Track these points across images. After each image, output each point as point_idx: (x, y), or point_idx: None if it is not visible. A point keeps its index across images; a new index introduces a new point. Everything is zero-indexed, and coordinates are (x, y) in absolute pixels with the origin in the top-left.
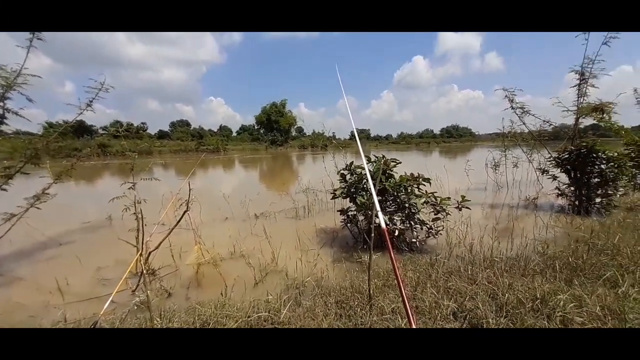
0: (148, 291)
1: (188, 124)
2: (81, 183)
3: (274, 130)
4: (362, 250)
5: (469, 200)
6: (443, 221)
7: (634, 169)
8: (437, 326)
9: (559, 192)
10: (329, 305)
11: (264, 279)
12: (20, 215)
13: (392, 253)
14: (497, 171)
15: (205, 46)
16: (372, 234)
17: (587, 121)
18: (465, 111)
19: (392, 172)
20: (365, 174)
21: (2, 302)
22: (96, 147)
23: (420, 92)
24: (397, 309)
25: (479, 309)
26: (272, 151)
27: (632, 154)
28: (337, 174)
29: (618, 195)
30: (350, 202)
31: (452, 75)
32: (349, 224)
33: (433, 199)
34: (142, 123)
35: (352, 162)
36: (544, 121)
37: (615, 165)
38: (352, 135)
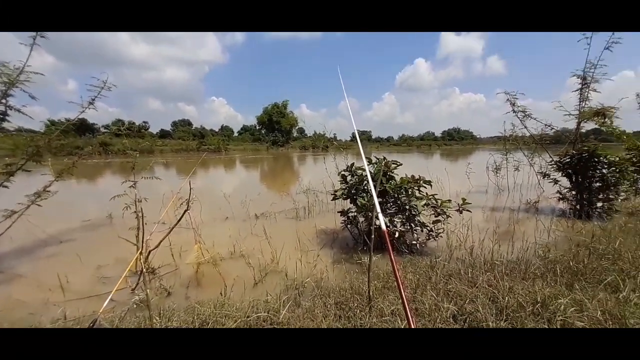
0: (148, 290)
1: (190, 124)
2: (82, 181)
3: (275, 131)
4: (362, 251)
5: (469, 203)
6: (443, 224)
7: (635, 174)
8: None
9: (560, 196)
10: (329, 306)
11: (264, 279)
12: (21, 212)
13: (392, 255)
14: (498, 174)
15: (208, 46)
16: (372, 236)
17: (588, 125)
18: (466, 114)
19: (392, 174)
20: (366, 176)
21: (3, 299)
22: (98, 146)
23: (422, 94)
24: (396, 311)
25: (479, 312)
26: (274, 152)
27: (634, 159)
28: (338, 175)
29: (619, 200)
30: (350, 203)
31: (454, 78)
32: (349, 225)
33: (434, 201)
34: (144, 122)
35: (353, 163)
36: (546, 125)
37: (617, 170)
38: (353, 137)
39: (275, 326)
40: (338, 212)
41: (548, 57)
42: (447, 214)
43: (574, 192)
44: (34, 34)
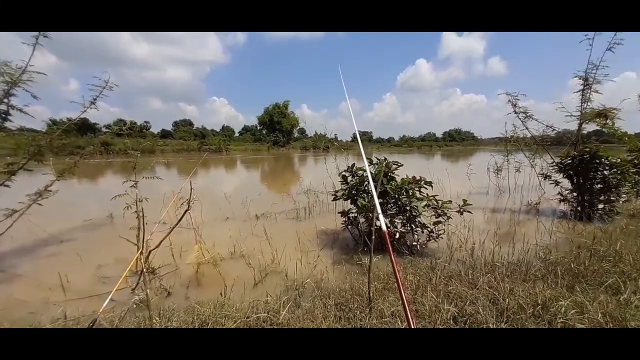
0: (148, 290)
1: (191, 124)
2: (84, 181)
3: (276, 131)
4: (362, 252)
5: (470, 204)
6: (444, 225)
7: (637, 176)
8: None
9: (562, 198)
10: (329, 307)
11: (264, 280)
12: (23, 211)
13: (392, 255)
14: (499, 175)
15: (209, 46)
16: (373, 237)
17: (590, 127)
18: (468, 115)
19: (393, 175)
20: (367, 176)
21: (3, 298)
22: (99, 145)
23: (423, 95)
24: (397, 312)
25: (480, 314)
26: (274, 152)
27: (636, 161)
28: (339, 175)
29: (621, 202)
30: (351, 204)
31: (455, 78)
32: (349, 226)
33: (434, 202)
34: (146, 122)
35: (354, 164)
36: (547, 126)
37: (618, 172)
38: (354, 137)
39: (275, 327)
40: (339, 212)
41: (550, 59)
42: (448, 215)
43: (575, 194)
44: (36, 33)
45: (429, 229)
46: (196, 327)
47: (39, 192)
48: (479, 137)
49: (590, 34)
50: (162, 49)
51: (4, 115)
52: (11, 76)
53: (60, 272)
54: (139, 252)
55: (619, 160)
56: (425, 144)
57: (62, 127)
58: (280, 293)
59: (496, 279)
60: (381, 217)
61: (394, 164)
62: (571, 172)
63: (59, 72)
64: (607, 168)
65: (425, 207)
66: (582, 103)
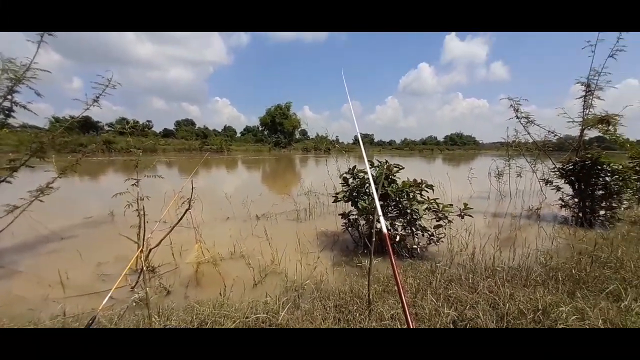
0: (147, 288)
1: (193, 124)
2: (85, 178)
3: (277, 132)
4: (362, 254)
5: (471, 208)
6: (445, 228)
7: (638, 183)
8: None
9: (563, 203)
10: (328, 309)
11: (263, 280)
12: (24, 208)
13: (392, 258)
14: (500, 180)
15: (213, 47)
16: (373, 239)
17: (592, 133)
18: (469, 119)
19: (394, 178)
20: (368, 179)
21: (3, 294)
22: (101, 143)
23: (426, 99)
24: (396, 315)
25: (480, 318)
26: (276, 153)
27: (637, 167)
28: (340, 177)
29: (622, 209)
30: (352, 206)
31: (457, 83)
32: (350, 228)
33: (435, 205)
34: (148, 121)
35: (355, 166)
36: (549, 132)
37: (620, 178)
38: (356, 140)
39: (274, 327)
40: (339, 214)
41: (552, 64)
42: (449, 218)
43: (576, 200)
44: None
45: (429, 232)
46: (195, 326)
47: (40, 188)
48: (480, 142)
49: (593, 39)
50: (167, 49)
51: (7, 112)
52: (15, 73)
53: (60, 269)
54: (139, 250)
55: (620, 166)
56: (427, 147)
57: (65, 125)
58: (280, 294)
59: (496, 284)
60: (382, 219)
61: (395, 167)
62: (573, 178)
63: (63, 70)
64: (608, 174)
65: (426, 211)
66: (584, 109)
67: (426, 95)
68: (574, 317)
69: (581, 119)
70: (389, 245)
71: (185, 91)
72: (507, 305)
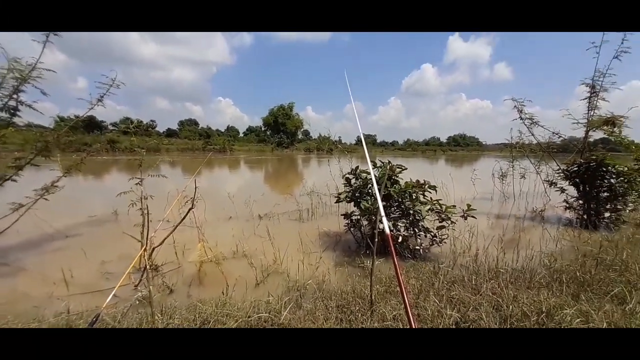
0: (150, 287)
1: (196, 123)
2: (90, 177)
3: (280, 133)
4: (364, 255)
5: (474, 210)
6: (448, 229)
7: None
8: None
9: (567, 205)
10: (330, 309)
11: (266, 280)
12: (29, 206)
13: (395, 259)
14: (504, 181)
15: (216, 47)
16: (376, 239)
17: (596, 135)
18: (473, 120)
19: (397, 178)
20: (371, 179)
21: (8, 291)
22: (106, 143)
23: (429, 99)
24: (398, 316)
25: (483, 320)
26: (278, 153)
27: None
28: (342, 177)
29: (627, 211)
30: (354, 206)
31: (460, 84)
32: (352, 229)
33: (438, 206)
34: (152, 121)
35: (358, 166)
36: (553, 133)
37: (625, 180)
38: (358, 140)
39: (276, 327)
40: (341, 215)
41: (557, 65)
42: (452, 219)
43: (581, 202)
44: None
45: (432, 233)
46: (198, 324)
47: (45, 187)
48: (483, 143)
49: (597, 40)
50: (170, 49)
51: (13, 111)
52: (21, 72)
53: (65, 267)
54: (143, 249)
55: (626, 168)
56: (430, 148)
57: (70, 124)
58: (282, 293)
59: (500, 286)
60: (384, 220)
61: (398, 168)
62: (577, 180)
63: (68, 70)
64: (613, 176)
65: (429, 211)
66: (588, 110)
67: (429, 96)
68: (578, 319)
69: (586, 121)
70: (392, 245)
71: (188, 91)
72: (511, 307)
